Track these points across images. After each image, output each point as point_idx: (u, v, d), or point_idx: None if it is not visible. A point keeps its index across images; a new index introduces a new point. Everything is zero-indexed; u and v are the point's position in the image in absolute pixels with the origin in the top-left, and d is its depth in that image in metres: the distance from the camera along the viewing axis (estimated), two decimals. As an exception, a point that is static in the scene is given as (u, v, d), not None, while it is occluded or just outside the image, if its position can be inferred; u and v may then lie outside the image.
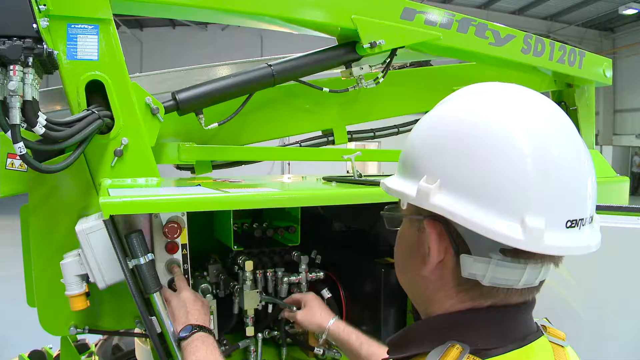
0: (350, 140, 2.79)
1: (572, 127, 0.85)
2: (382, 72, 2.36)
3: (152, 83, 2.74)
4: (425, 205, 0.83)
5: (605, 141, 22.20)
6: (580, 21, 20.34)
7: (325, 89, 2.34)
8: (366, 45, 2.17)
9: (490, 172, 0.78)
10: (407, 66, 3.03)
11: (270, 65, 2.16)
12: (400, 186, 0.90)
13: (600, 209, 1.95)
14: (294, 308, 1.93)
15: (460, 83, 3.13)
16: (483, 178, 0.79)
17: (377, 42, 2.18)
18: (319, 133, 2.73)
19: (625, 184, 3.01)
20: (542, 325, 0.95)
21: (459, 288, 0.88)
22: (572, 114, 3.43)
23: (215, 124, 2.14)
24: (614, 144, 21.58)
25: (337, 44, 2.34)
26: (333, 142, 2.69)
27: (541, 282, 0.88)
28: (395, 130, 2.98)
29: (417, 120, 1.06)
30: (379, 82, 2.37)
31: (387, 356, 1.58)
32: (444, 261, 0.87)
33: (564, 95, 3.45)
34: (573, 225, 0.80)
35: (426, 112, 0.96)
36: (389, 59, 2.34)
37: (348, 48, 2.27)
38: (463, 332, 0.85)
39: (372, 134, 2.99)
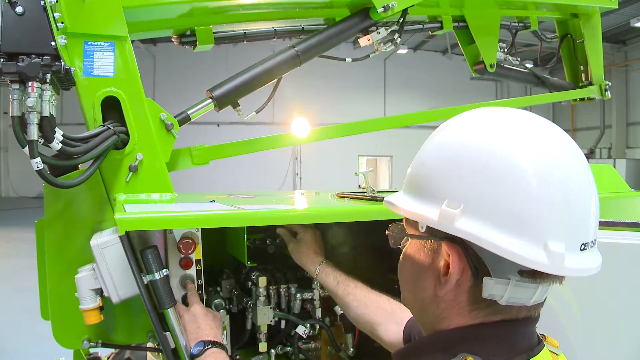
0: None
1: (580, 150, 0.89)
2: (398, 32, 2.38)
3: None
4: (450, 230, 0.84)
5: (619, 154, 21.94)
6: (591, 34, 20.25)
7: (348, 60, 2.39)
8: (380, 10, 2.20)
9: (515, 198, 0.81)
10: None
11: (293, 47, 2.20)
12: (417, 209, 0.91)
13: (613, 225, 1.93)
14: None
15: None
16: (508, 204, 0.81)
17: (390, 5, 2.21)
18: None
19: (640, 198, 2.96)
20: (541, 334, 0.98)
21: (473, 307, 0.89)
22: (580, 47, 3.44)
23: (254, 113, 2.24)
24: (627, 157, 21.31)
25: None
26: None
27: (545, 298, 0.92)
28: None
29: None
30: (397, 43, 2.40)
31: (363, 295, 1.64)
32: (459, 281, 0.89)
33: (570, 27, 3.47)
34: (585, 247, 0.85)
35: None
36: (402, 19, 2.36)
37: (362, 15, 2.30)
38: (474, 345, 0.87)
39: None
